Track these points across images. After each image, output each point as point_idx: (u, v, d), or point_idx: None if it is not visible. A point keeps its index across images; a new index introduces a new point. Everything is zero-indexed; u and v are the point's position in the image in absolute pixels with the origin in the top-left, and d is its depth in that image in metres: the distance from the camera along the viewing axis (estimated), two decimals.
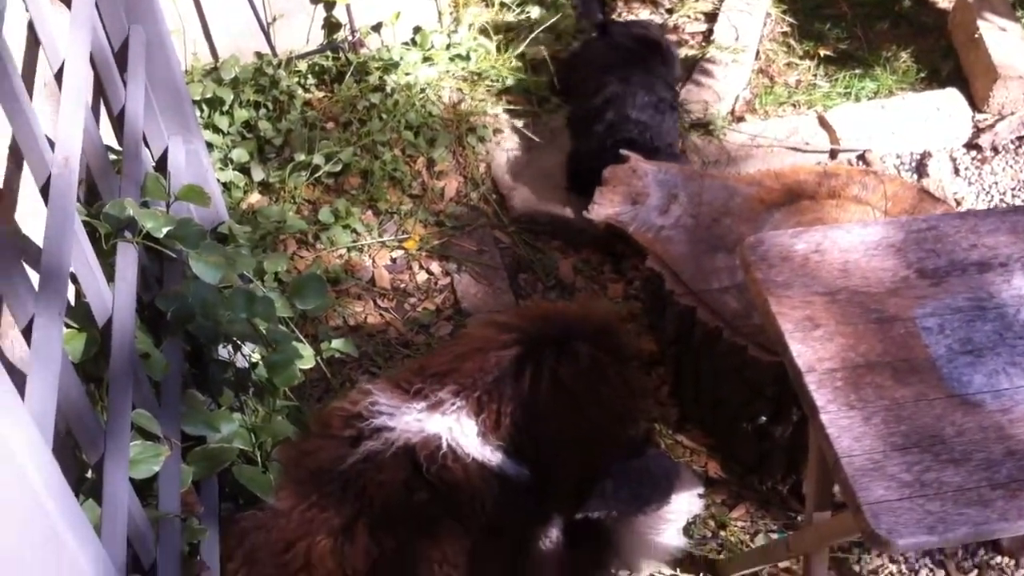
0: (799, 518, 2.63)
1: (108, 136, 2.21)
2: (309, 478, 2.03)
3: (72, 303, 1.85)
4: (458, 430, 2.01)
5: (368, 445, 2.00)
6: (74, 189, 1.61)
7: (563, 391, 2.04)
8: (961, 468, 1.75)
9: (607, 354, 2.09)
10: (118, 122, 2.11)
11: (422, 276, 3.12)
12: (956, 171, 3.48)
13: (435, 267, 3.13)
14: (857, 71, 3.80)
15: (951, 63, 3.80)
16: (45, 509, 1.25)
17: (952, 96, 3.62)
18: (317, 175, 3.25)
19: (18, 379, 1.38)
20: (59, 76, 1.82)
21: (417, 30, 3.68)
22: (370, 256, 3.14)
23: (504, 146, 3.46)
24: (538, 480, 2.08)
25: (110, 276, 1.83)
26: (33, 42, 1.97)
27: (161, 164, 2.31)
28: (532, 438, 2.05)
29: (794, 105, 3.70)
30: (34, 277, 1.55)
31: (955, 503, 1.70)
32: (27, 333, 1.47)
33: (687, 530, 2.51)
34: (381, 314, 3.01)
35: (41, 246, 1.64)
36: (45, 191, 1.60)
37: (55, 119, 1.76)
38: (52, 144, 1.68)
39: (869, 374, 1.89)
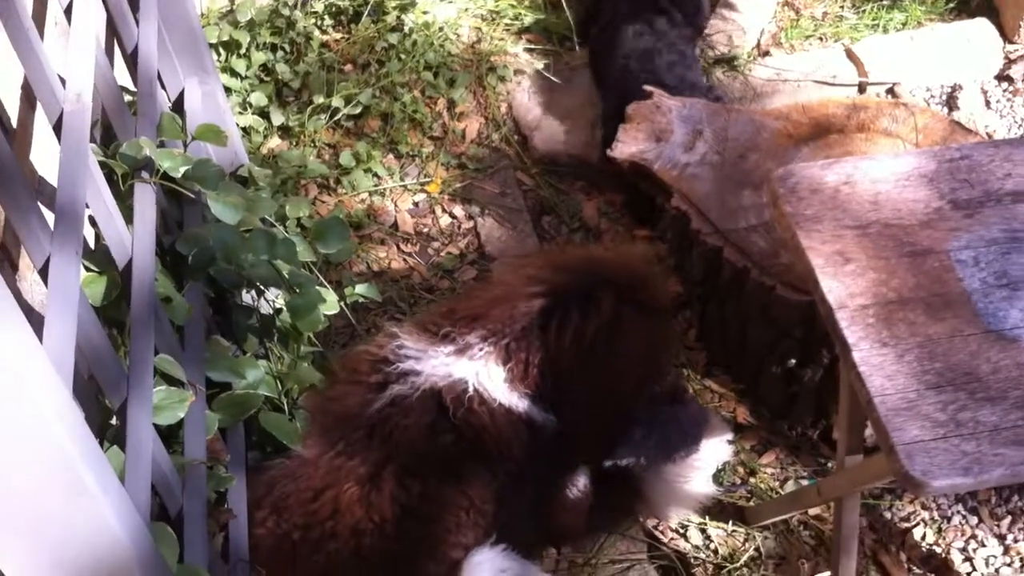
0: (829, 464, 2.60)
1: (123, 78, 2.18)
2: (336, 425, 2.02)
3: (91, 246, 1.83)
4: (485, 375, 1.99)
5: (395, 389, 1.99)
6: (87, 126, 1.58)
7: (586, 345, 2.01)
8: (997, 407, 1.71)
9: (633, 305, 2.05)
10: (132, 61, 2.08)
11: (445, 220, 3.08)
12: (987, 103, 3.40)
13: (458, 210, 3.09)
14: (885, 2, 3.70)
15: None
16: (66, 453, 1.24)
17: (982, 26, 3.52)
18: (336, 118, 3.20)
19: (37, 323, 1.36)
20: (68, 12, 1.79)
21: None
22: (392, 200, 3.10)
23: (524, 86, 3.40)
24: (565, 429, 2.06)
25: (129, 219, 1.81)
26: None
27: (177, 105, 2.28)
28: (558, 388, 2.03)
29: (821, 38, 3.61)
30: (50, 218, 1.53)
31: (991, 443, 1.66)
32: (44, 273, 1.45)
33: (716, 477, 2.49)
34: (404, 259, 2.98)
35: (54, 187, 1.61)
36: (58, 129, 1.58)
37: (67, 58, 1.73)
38: (64, 82, 1.65)
39: (902, 310, 1.84)
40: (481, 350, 2.00)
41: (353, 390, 2.06)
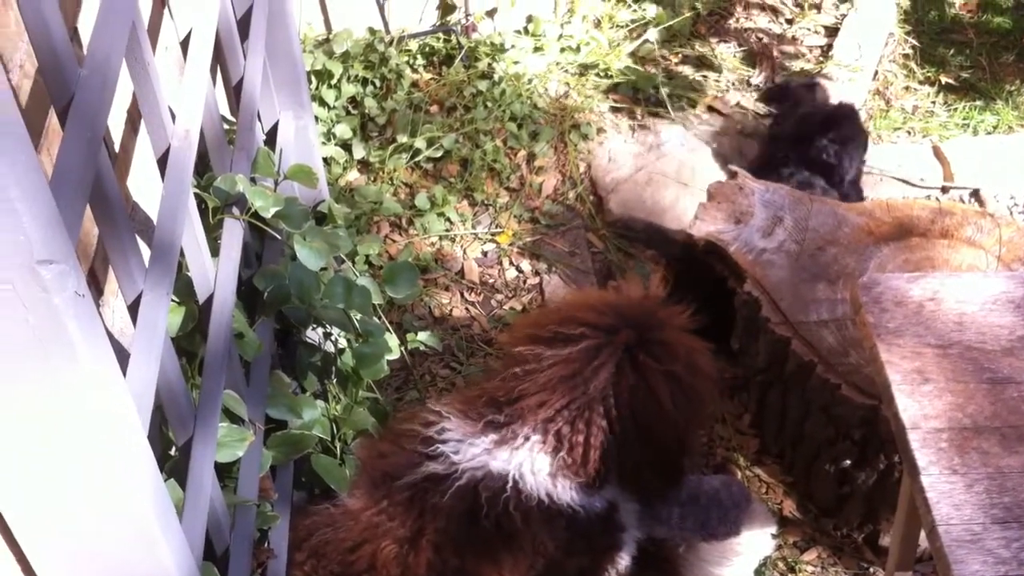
0: (872, 570, 2.55)
1: (222, 105, 2.20)
2: (383, 480, 2.01)
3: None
4: (528, 468, 1.92)
5: (431, 467, 1.95)
6: (192, 163, 1.60)
7: (656, 387, 1.94)
8: None
9: (658, 347, 1.97)
10: (235, 93, 2.10)
11: (511, 273, 3.08)
12: None
13: (525, 265, 3.09)
14: (978, 103, 3.67)
15: None
16: (136, 495, 1.24)
17: None
18: (417, 159, 3.22)
19: (117, 352, 1.37)
20: (184, 44, 1.81)
21: (530, 19, 3.63)
22: (461, 247, 3.11)
23: (606, 146, 3.40)
24: (611, 506, 2.02)
25: (214, 251, 1.82)
26: (159, 3, 1.96)
27: (271, 137, 2.30)
28: (615, 460, 1.98)
29: (908, 132, 3.59)
30: (142, 248, 1.54)
31: None
32: (133, 308, 1.46)
33: (757, 571, 2.45)
34: (467, 308, 2.98)
35: (148, 215, 1.63)
36: (163, 163, 1.59)
37: (174, 87, 1.75)
38: (172, 114, 1.67)
39: (976, 438, 1.80)
40: (527, 439, 1.93)
41: (400, 452, 2.05)
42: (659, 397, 1.95)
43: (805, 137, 3.17)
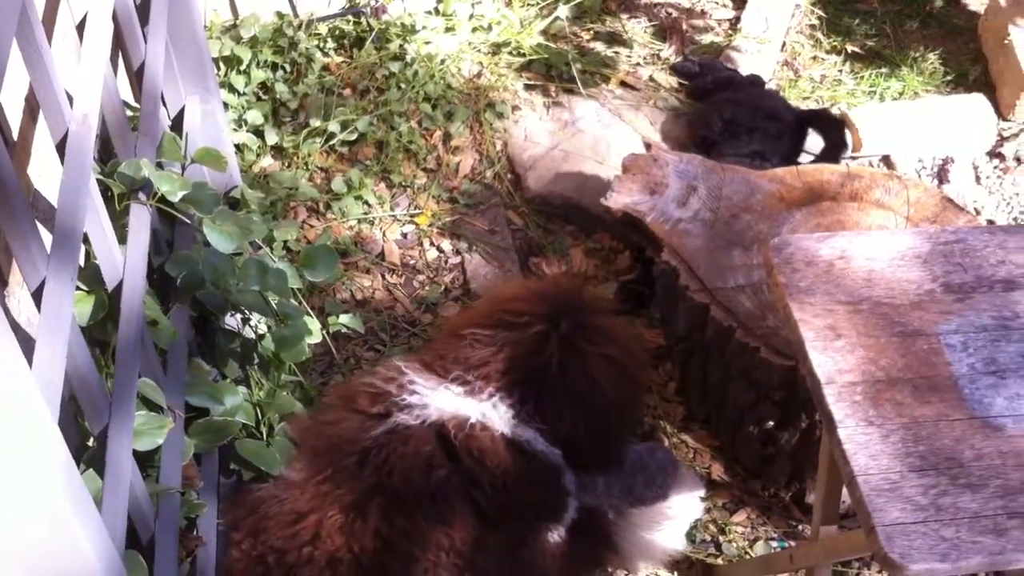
0: (800, 527, 2.60)
1: (125, 91, 2.15)
2: (326, 450, 2.02)
3: (81, 264, 1.80)
4: (492, 412, 2.06)
5: (399, 417, 2.02)
6: (91, 148, 1.56)
7: (594, 368, 2.15)
8: (978, 494, 1.71)
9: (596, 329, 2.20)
10: (137, 78, 2.06)
11: (432, 253, 3.07)
12: (977, 179, 3.44)
13: (446, 245, 3.08)
14: (883, 70, 3.74)
15: (979, 68, 3.74)
16: (49, 483, 1.22)
17: (978, 102, 3.56)
18: (332, 143, 3.19)
19: (24, 342, 1.34)
20: (80, 27, 1.77)
21: None
22: (381, 229, 3.09)
23: (522, 124, 3.40)
24: (566, 457, 2.15)
25: (121, 239, 1.78)
26: None
27: (177, 123, 2.26)
28: (563, 417, 2.13)
29: (817, 100, 3.65)
30: (44, 236, 1.50)
31: (970, 530, 1.66)
32: (37, 295, 1.42)
33: (688, 534, 2.48)
34: (389, 290, 2.96)
35: (52, 203, 1.59)
36: (61, 148, 1.55)
37: (72, 72, 1.71)
38: (70, 99, 1.63)
39: (889, 390, 1.85)
40: (491, 394, 2.08)
41: (349, 417, 2.08)
42: (597, 378, 2.15)
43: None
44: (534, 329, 2.14)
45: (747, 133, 3.27)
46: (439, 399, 2.06)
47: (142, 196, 1.80)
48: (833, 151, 3.34)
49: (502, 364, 2.10)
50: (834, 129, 3.37)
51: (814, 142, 3.39)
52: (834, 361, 1.87)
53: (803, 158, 3.36)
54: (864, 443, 1.77)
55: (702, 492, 2.52)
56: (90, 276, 1.70)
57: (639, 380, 2.42)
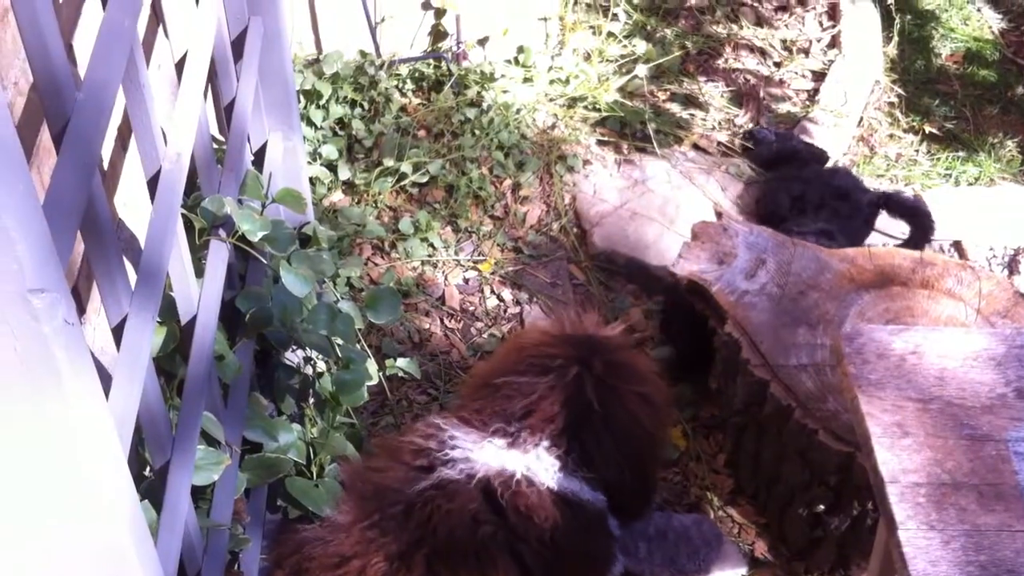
0: None
1: (212, 124, 2.18)
2: (374, 496, 2.01)
3: None
4: (536, 464, 2.05)
5: (443, 472, 2.01)
6: (182, 187, 1.58)
7: (633, 406, 2.16)
8: None
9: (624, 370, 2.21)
10: (225, 113, 2.09)
11: (492, 301, 3.07)
12: None
13: (506, 294, 3.08)
14: (960, 153, 3.70)
15: None
16: (112, 521, 1.23)
17: None
18: (403, 183, 3.21)
19: (99, 371, 1.35)
20: (179, 65, 1.80)
21: (521, 49, 3.64)
22: (443, 273, 3.10)
23: (592, 179, 3.41)
24: (610, 503, 2.16)
25: (198, 272, 1.80)
26: (153, 19, 1.94)
27: (259, 157, 2.29)
28: (613, 459, 2.14)
29: (891, 179, 3.62)
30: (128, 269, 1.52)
31: None
32: (117, 331, 1.44)
33: None
34: (447, 334, 2.97)
35: (134, 232, 1.61)
36: (152, 184, 1.58)
37: (167, 108, 1.74)
38: (164, 136, 1.66)
39: (954, 494, 1.81)
40: (535, 444, 2.06)
41: (395, 467, 2.08)
42: (637, 416, 2.16)
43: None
44: (570, 372, 2.11)
45: (815, 211, 3.25)
46: (483, 454, 2.05)
47: (222, 233, 1.82)
48: (922, 236, 3.28)
49: (544, 412, 2.08)
50: (920, 215, 3.31)
51: (885, 223, 3.35)
52: (900, 460, 1.83)
53: (876, 239, 3.32)
54: (924, 547, 1.73)
55: (744, 569, 2.49)
56: (165, 309, 1.72)
57: (668, 415, 2.45)
